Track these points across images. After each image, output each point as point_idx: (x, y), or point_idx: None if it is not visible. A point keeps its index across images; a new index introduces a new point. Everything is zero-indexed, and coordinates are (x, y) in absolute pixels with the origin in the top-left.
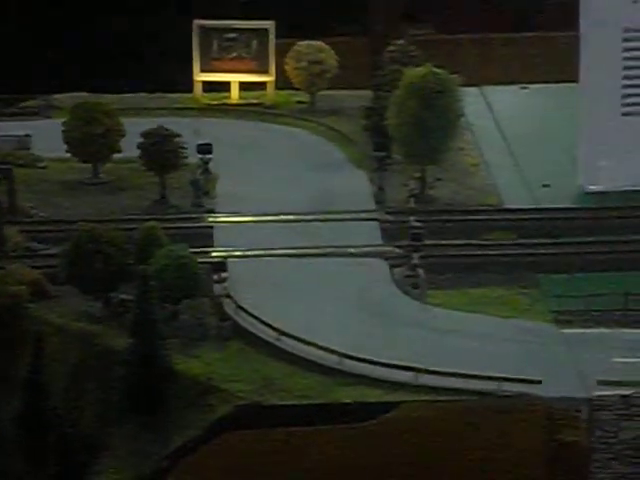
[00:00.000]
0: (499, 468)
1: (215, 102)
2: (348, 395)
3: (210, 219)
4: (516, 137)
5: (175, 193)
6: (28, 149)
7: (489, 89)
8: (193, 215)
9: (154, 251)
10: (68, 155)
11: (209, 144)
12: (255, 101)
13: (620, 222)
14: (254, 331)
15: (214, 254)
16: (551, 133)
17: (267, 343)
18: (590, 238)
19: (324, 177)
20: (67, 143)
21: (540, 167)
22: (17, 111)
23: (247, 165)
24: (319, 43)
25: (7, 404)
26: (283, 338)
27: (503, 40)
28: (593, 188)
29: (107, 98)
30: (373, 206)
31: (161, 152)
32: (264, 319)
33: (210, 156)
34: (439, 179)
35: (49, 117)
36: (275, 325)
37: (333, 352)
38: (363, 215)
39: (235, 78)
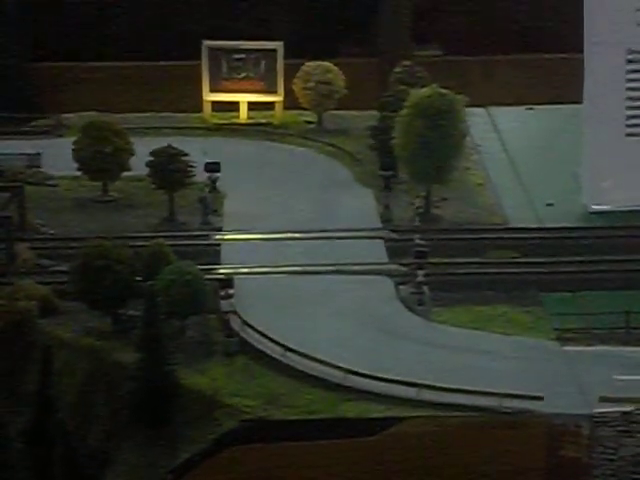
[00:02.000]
0: None
1: (224, 122)
2: (352, 410)
3: (217, 237)
4: (521, 157)
5: (183, 211)
6: (39, 167)
7: (495, 110)
8: (201, 233)
9: (161, 268)
10: (78, 173)
11: (217, 163)
12: (263, 121)
13: (624, 241)
14: (260, 347)
15: (221, 271)
16: (556, 153)
17: (273, 359)
18: (594, 257)
19: (331, 196)
20: (77, 161)
21: (545, 187)
22: (28, 129)
23: (254, 184)
24: (327, 64)
25: (15, 418)
26: (288, 354)
27: (509, 61)
28: (597, 208)
29: (117, 117)
30: (379, 224)
31: (170, 170)
32: (270, 335)
33: (218, 175)
34: (445, 198)
35: (60, 136)
36: (281, 341)
37: (338, 368)
38: (369, 233)
39: (244, 98)
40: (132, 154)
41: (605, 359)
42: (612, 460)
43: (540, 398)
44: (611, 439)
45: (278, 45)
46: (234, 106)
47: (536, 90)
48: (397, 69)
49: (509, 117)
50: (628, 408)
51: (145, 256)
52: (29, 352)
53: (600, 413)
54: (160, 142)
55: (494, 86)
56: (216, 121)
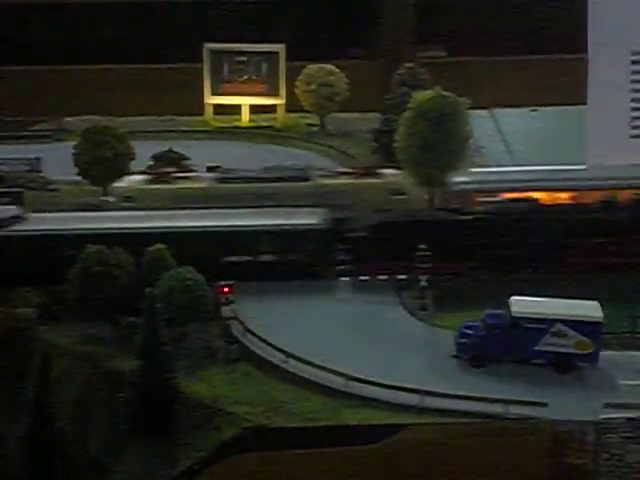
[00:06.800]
0: None
1: (226, 125)
2: (354, 418)
3: None
4: (525, 159)
5: None
6: (39, 172)
7: (499, 111)
8: None
9: (161, 273)
10: (79, 178)
11: (218, 167)
12: (265, 124)
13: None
14: (261, 353)
15: None
16: (560, 155)
17: (274, 365)
18: None
19: None
20: (78, 166)
21: None
22: (28, 134)
23: None
24: (329, 66)
25: (14, 426)
26: (290, 360)
27: (512, 62)
28: None
29: (118, 121)
30: None
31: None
32: (271, 341)
33: None
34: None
35: (60, 140)
36: (282, 347)
37: (339, 374)
38: None
39: (246, 101)
40: (133, 158)
41: (611, 364)
42: (618, 467)
43: (544, 404)
44: (617, 445)
45: (280, 48)
46: (236, 109)
47: (540, 91)
48: (399, 71)
49: (513, 119)
50: (634, 414)
51: (145, 261)
52: (27, 359)
53: (606, 419)
54: (161, 146)
55: (497, 87)
56: (218, 124)
